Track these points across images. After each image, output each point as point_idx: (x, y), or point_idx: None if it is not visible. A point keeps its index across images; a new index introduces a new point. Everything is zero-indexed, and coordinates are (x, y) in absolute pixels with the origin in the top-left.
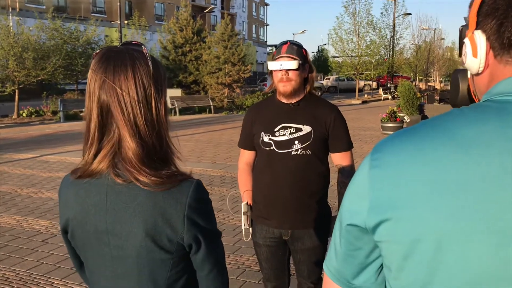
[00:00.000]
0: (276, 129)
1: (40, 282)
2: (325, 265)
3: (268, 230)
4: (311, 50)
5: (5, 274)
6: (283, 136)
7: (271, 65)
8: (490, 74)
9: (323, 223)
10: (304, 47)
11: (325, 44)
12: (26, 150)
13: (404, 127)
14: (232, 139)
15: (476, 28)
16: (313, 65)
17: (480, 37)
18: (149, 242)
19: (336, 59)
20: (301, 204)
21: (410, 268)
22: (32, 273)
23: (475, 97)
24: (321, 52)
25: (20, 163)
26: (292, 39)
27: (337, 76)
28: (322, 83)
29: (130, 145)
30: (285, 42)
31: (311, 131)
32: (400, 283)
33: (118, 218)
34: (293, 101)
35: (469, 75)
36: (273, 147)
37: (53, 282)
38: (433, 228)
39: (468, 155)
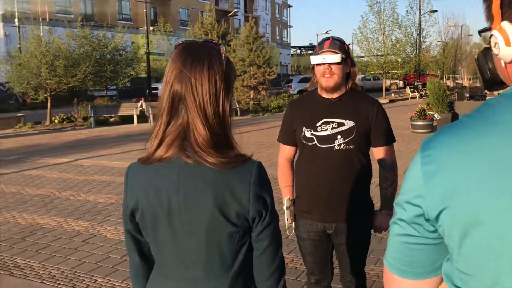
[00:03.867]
0: (318, 124)
1: (84, 280)
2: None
3: (312, 224)
4: None
5: (51, 272)
6: (325, 131)
7: (314, 59)
8: None
9: (366, 216)
10: (346, 42)
11: (350, 44)
12: (61, 155)
13: (435, 125)
14: (259, 140)
15: (503, 20)
16: (355, 60)
17: (509, 27)
18: (219, 216)
19: (361, 58)
20: (344, 198)
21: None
22: (76, 271)
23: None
24: None
25: (56, 167)
26: (334, 35)
27: (363, 75)
28: None
29: (200, 130)
30: (327, 38)
31: (353, 125)
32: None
33: (190, 196)
34: (335, 96)
35: (502, 64)
36: (315, 142)
37: (96, 280)
38: (488, 208)
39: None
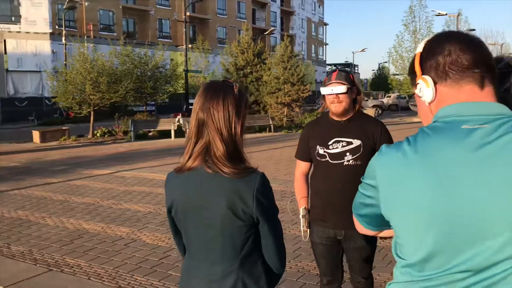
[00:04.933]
0: (330, 143)
1: (126, 278)
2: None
3: (324, 231)
4: (371, 68)
5: (97, 271)
6: (336, 149)
7: (324, 91)
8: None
9: None
10: (351, 72)
11: (385, 62)
12: (103, 166)
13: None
14: (291, 156)
15: (423, 74)
16: (361, 86)
17: (428, 77)
18: (230, 213)
19: (396, 77)
20: None
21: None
22: (119, 271)
23: None
24: (381, 70)
25: (99, 178)
26: (352, 63)
27: (398, 94)
28: (383, 101)
29: (219, 147)
30: (334, 70)
31: (360, 144)
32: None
33: (209, 197)
34: (344, 118)
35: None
36: (328, 158)
37: (137, 279)
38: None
39: (437, 159)
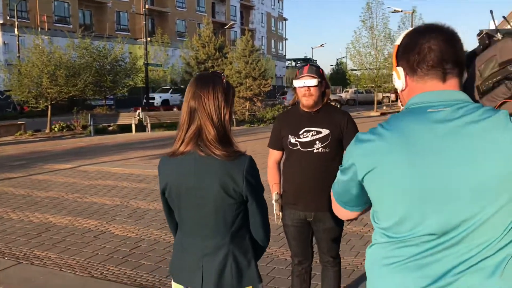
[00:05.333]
0: (300, 132)
1: (98, 268)
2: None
3: (295, 213)
4: (330, 64)
5: (68, 262)
6: (306, 138)
7: (296, 83)
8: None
9: None
10: (321, 67)
11: (343, 58)
12: (64, 161)
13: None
14: (254, 149)
15: (397, 65)
16: (328, 81)
17: (400, 69)
18: (222, 193)
19: (354, 72)
20: (322, 191)
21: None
22: (91, 261)
23: None
24: (339, 65)
25: (61, 172)
26: (311, 58)
27: (356, 88)
28: (341, 96)
29: (210, 131)
30: (305, 64)
31: (329, 133)
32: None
33: (203, 178)
34: (314, 110)
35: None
36: (299, 146)
37: (109, 268)
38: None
39: (406, 136)
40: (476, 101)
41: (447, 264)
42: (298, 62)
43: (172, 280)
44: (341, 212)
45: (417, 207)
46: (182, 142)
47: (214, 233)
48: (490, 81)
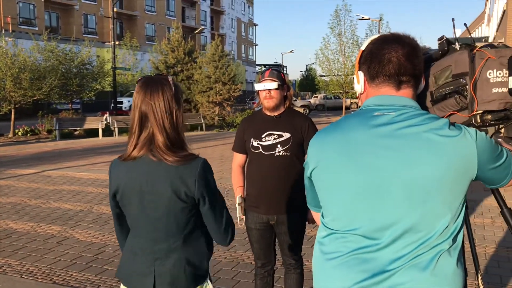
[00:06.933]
0: (263, 136)
1: (60, 274)
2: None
3: (258, 216)
4: (299, 69)
5: (29, 268)
6: (268, 141)
7: (257, 86)
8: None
9: (301, 210)
10: (282, 71)
11: (313, 64)
12: (27, 166)
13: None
14: (223, 154)
15: (359, 70)
16: (290, 85)
17: (360, 74)
18: (174, 197)
19: (323, 78)
20: (284, 194)
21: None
22: (53, 268)
23: None
24: (309, 71)
25: (24, 177)
26: (275, 63)
27: (325, 94)
28: (310, 102)
29: (159, 138)
30: (267, 69)
31: (290, 137)
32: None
33: (155, 182)
34: (276, 113)
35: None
36: (261, 150)
37: (72, 274)
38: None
39: (348, 136)
40: (425, 108)
41: (384, 259)
42: (270, 67)
43: (121, 284)
44: (313, 214)
45: (350, 204)
46: (135, 146)
47: (166, 235)
48: (443, 89)
